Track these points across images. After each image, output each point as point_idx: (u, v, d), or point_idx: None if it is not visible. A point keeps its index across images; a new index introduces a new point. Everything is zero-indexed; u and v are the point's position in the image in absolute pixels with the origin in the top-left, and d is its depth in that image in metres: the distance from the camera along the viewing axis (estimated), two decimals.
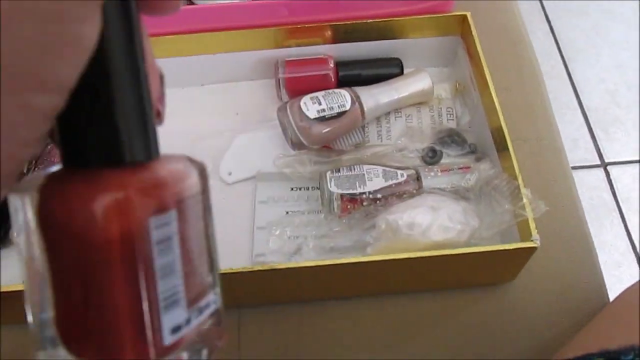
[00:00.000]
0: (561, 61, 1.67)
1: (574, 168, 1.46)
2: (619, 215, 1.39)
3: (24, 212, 0.18)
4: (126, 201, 0.17)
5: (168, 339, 0.19)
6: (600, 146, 1.51)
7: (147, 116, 0.19)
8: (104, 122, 0.18)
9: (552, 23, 1.75)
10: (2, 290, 0.42)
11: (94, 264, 0.17)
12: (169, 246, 0.19)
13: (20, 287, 0.44)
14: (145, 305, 0.18)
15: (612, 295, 0.50)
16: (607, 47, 1.68)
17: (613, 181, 1.45)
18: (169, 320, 0.19)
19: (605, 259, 1.31)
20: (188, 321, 0.20)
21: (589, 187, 1.43)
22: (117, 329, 0.18)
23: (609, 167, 1.48)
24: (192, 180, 0.20)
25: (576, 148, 1.50)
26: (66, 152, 0.19)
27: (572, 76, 1.65)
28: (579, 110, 1.58)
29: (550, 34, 1.72)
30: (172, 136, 0.60)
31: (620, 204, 1.41)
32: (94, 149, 0.18)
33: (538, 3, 1.80)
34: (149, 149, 0.20)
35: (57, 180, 0.18)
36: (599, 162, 1.49)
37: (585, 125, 1.55)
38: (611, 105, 1.58)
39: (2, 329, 0.50)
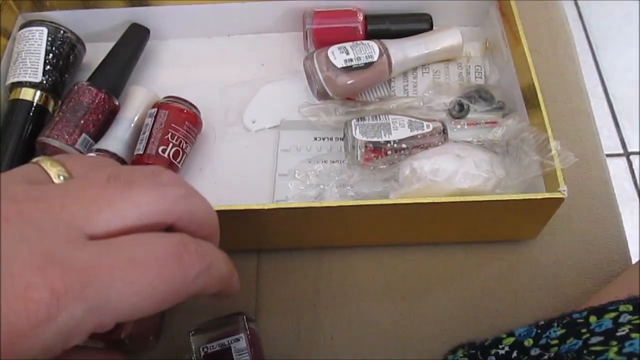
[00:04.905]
0: (588, 48, 1.64)
1: None
2: (638, 205, 1.37)
3: None
4: None
5: None
6: (624, 135, 1.49)
7: None
8: None
9: (581, 9, 1.72)
10: None
11: None
12: None
13: None
14: None
15: None
16: (637, 36, 1.64)
17: (635, 170, 1.43)
18: None
19: None
20: None
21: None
22: None
23: (631, 157, 1.46)
24: None
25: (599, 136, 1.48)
26: None
27: (599, 64, 1.62)
28: (604, 99, 1.55)
29: (579, 20, 1.69)
30: (199, 85, 0.60)
31: None
32: None
33: None
34: None
35: None
36: (621, 151, 1.47)
37: (610, 114, 1.53)
38: (637, 95, 1.55)
39: None
